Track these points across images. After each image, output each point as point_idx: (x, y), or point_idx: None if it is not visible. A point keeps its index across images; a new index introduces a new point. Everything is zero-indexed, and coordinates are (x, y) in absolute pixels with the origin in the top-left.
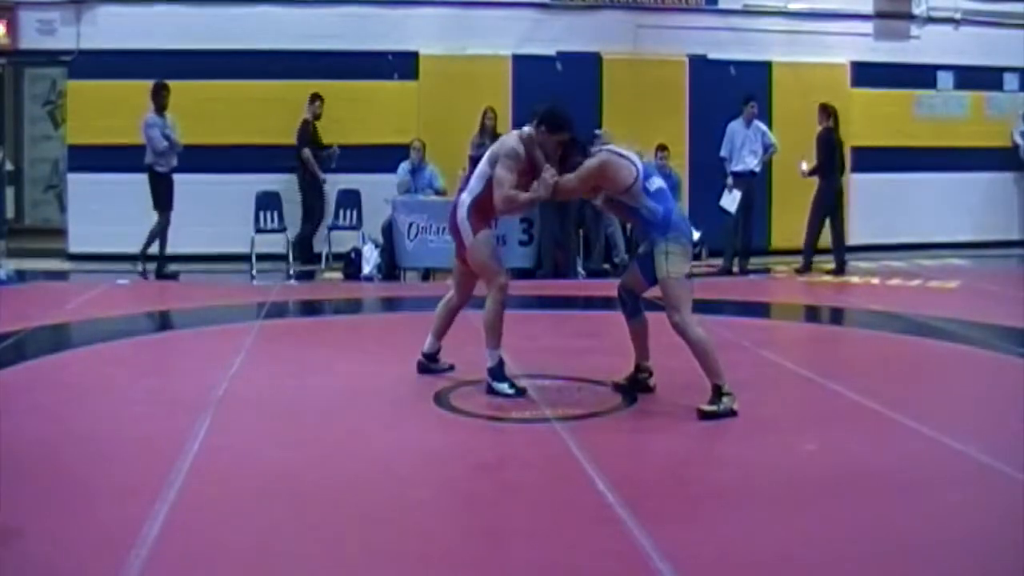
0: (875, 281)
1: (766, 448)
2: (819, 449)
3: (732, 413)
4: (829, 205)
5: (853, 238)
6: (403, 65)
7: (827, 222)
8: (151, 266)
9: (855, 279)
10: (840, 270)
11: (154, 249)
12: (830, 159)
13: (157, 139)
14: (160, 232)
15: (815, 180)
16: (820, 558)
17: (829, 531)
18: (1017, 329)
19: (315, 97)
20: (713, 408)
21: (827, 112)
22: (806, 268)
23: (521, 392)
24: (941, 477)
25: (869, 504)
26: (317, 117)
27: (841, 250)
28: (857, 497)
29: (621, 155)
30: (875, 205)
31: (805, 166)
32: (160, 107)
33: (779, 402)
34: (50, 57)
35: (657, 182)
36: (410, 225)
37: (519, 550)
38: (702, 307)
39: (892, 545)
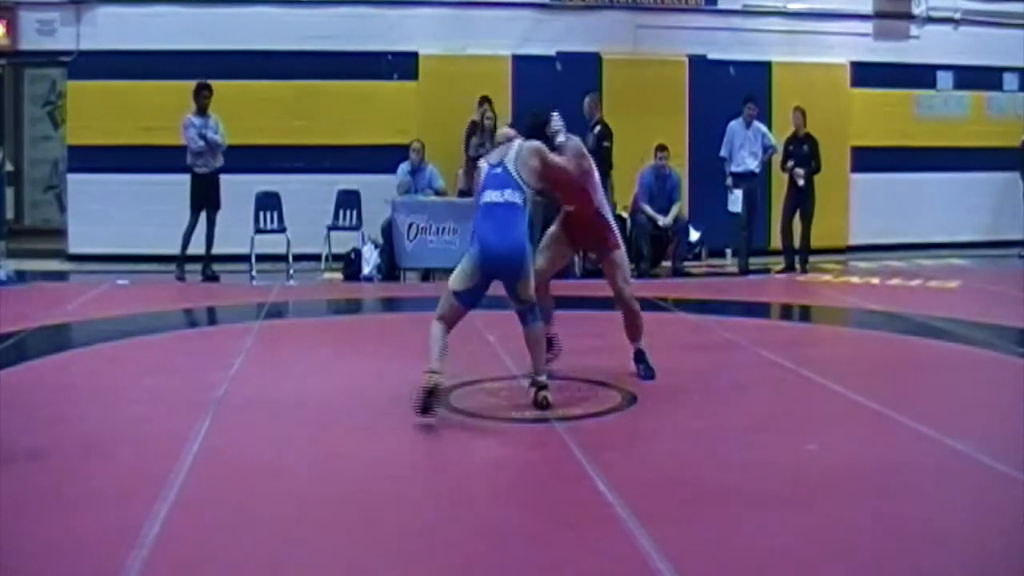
0: (875, 281)
1: (766, 448)
2: (819, 449)
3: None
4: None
5: (853, 238)
6: (402, 65)
7: (794, 221)
8: (214, 266)
9: (855, 279)
10: (794, 268)
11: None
12: (813, 160)
13: (191, 139)
14: (186, 233)
15: (786, 181)
16: (820, 558)
17: (829, 531)
18: (1017, 329)
19: (484, 100)
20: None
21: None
22: (804, 268)
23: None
24: (941, 477)
25: (869, 504)
26: (484, 118)
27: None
28: (857, 497)
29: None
30: (875, 205)
31: (801, 181)
32: (201, 107)
33: (779, 402)
34: (50, 57)
35: (489, 196)
36: (410, 226)
37: (519, 550)
38: (703, 307)
39: (892, 545)
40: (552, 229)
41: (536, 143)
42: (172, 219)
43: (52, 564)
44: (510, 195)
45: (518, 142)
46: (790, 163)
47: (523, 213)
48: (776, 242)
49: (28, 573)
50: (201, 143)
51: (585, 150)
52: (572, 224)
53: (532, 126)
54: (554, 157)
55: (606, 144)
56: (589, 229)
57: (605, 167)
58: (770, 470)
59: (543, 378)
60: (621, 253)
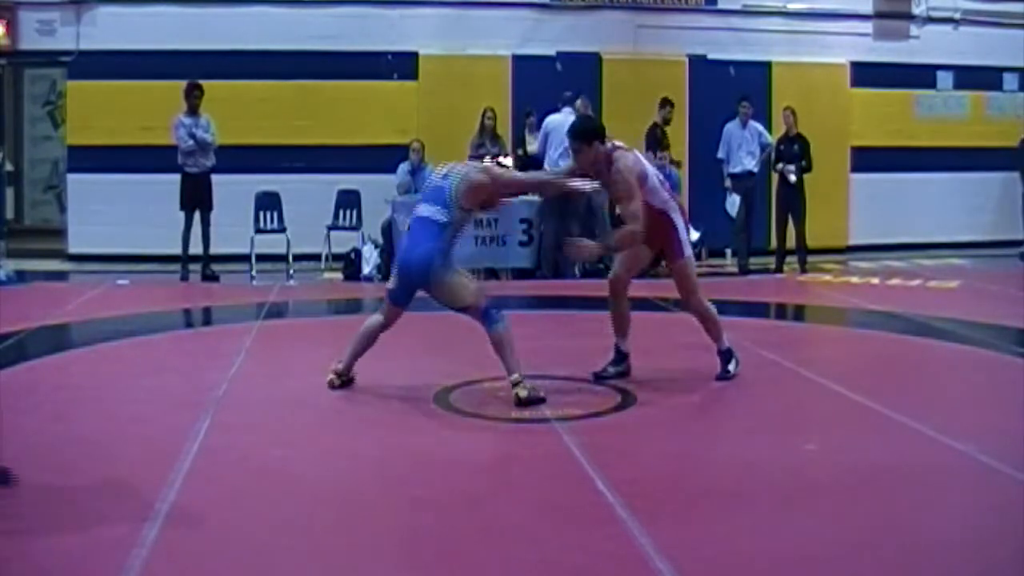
0: (875, 281)
1: (766, 448)
2: (819, 449)
3: None
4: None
5: (853, 238)
6: (403, 65)
7: (788, 220)
8: (214, 266)
9: (855, 279)
10: (781, 270)
11: (196, 250)
12: (803, 160)
13: (181, 139)
14: (184, 233)
15: (780, 179)
16: (819, 558)
17: (829, 531)
18: (1017, 329)
19: (665, 102)
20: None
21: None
22: (803, 268)
23: None
24: (941, 477)
25: (869, 504)
26: (667, 122)
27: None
28: (857, 497)
29: None
30: (875, 205)
31: (793, 177)
32: (192, 107)
33: (779, 402)
34: (50, 57)
35: (419, 209)
36: (410, 226)
37: (519, 550)
38: None
39: (892, 545)
40: None
41: (484, 167)
42: (172, 219)
43: (52, 564)
44: (435, 212)
45: (471, 163)
46: (780, 165)
47: (442, 230)
48: (776, 242)
49: (29, 573)
50: (191, 142)
51: (639, 164)
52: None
53: (584, 131)
54: (508, 175)
55: None
56: (656, 229)
57: None
58: (770, 470)
59: (516, 375)
60: (684, 264)
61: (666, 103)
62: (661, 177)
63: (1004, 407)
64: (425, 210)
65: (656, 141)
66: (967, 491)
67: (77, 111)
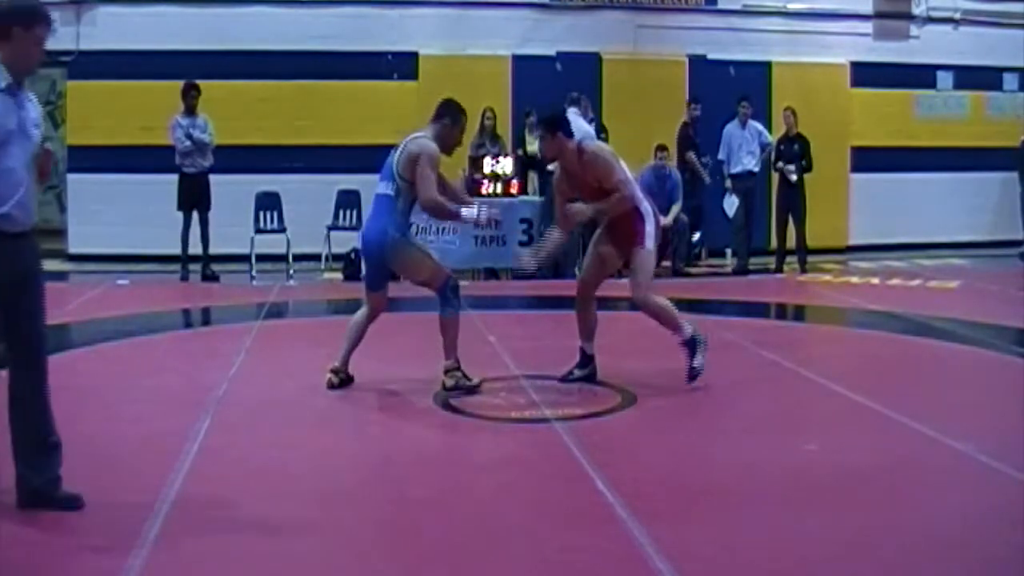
0: (875, 281)
1: (766, 448)
2: (819, 449)
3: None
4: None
5: (853, 238)
6: (403, 65)
7: (788, 220)
8: (213, 266)
9: (855, 279)
10: (782, 270)
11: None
12: (803, 159)
13: (178, 140)
14: (183, 233)
15: (780, 179)
16: (820, 558)
17: (829, 531)
18: (1017, 329)
19: (691, 100)
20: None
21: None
22: (803, 268)
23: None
24: (941, 477)
25: (869, 504)
26: (695, 121)
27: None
28: (857, 497)
29: None
30: (875, 205)
31: (793, 176)
32: (189, 107)
33: (779, 402)
34: (50, 57)
35: (378, 187)
36: (410, 226)
37: (519, 549)
38: (703, 307)
39: (891, 545)
40: (596, 233)
41: (424, 145)
42: (172, 219)
43: (53, 564)
44: (385, 187)
45: (413, 135)
46: (780, 163)
47: (392, 203)
48: (776, 242)
49: (29, 573)
50: (188, 143)
51: (608, 148)
52: (610, 222)
53: (550, 120)
54: (425, 176)
55: (602, 136)
56: (625, 224)
57: None
58: (770, 470)
59: (450, 362)
60: (644, 253)
61: (692, 101)
62: (629, 176)
63: (1004, 407)
64: (380, 187)
65: (688, 140)
66: (967, 491)
67: (77, 111)
